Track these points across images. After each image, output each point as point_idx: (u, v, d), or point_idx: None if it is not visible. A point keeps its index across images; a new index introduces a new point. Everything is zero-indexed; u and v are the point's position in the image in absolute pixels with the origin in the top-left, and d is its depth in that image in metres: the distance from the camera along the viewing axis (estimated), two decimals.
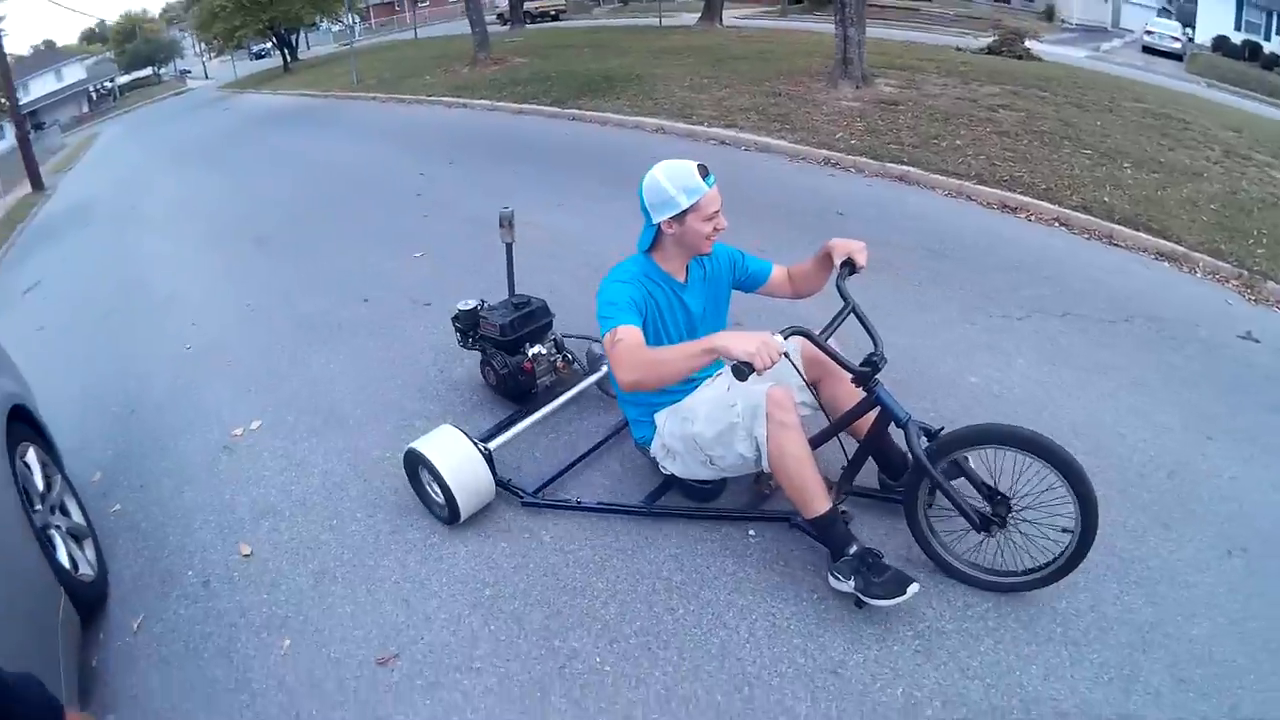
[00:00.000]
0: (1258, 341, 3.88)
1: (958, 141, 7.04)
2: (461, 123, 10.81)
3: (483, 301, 3.41)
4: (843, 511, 2.27)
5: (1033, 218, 5.60)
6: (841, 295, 2.26)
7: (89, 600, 2.48)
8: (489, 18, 15.12)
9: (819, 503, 2.13)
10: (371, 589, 2.48)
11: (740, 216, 5.21)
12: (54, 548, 2.39)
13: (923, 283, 4.43)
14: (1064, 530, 2.08)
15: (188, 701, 2.18)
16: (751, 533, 2.54)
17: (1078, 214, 5.43)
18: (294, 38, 32.35)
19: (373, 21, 49.83)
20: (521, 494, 2.72)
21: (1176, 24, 24.33)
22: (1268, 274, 4.69)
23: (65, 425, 3.17)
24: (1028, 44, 15.09)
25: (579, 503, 2.67)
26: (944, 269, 4.64)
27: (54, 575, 2.24)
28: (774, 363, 1.82)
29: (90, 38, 63.79)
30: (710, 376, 2.51)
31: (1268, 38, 23.13)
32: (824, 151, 7.11)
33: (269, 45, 33.64)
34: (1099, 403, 3.23)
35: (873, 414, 2.20)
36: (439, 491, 2.60)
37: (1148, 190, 5.95)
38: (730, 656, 2.10)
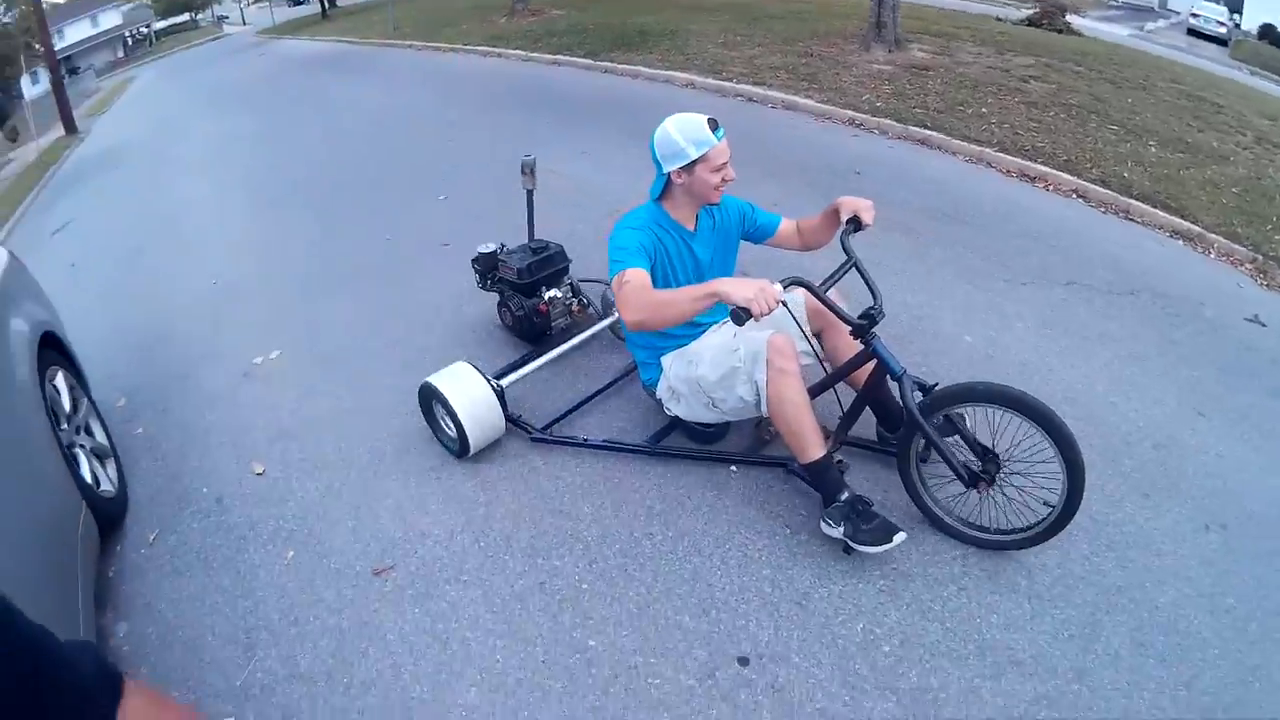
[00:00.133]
0: (1264, 325, 3.87)
1: (983, 109, 6.96)
2: (495, 72, 10.81)
3: (502, 245, 3.50)
4: (839, 461, 2.34)
5: (1050, 188, 5.56)
6: (845, 250, 2.31)
7: (109, 515, 2.62)
8: None
9: (814, 449, 2.20)
10: (373, 506, 2.63)
11: (760, 170, 5.26)
12: (77, 465, 2.53)
13: (931, 243, 4.45)
14: (1045, 503, 2.14)
15: (195, 607, 2.33)
16: (733, 469, 2.64)
17: (1096, 187, 5.39)
18: None
19: None
20: (530, 430, 2.82)
21: (1224, 8, 23.56)
22: None
23: (94, 356, 3.31)
24: (1068, 18, 14.68)
25: (585, 440, 2.76)
26: (954, 232, 4.65)
27: (76, 490, 2.38)
28: (770, 310, 1.89)
29: None
30: (717, 323, 2.57)
31: None
32: (849, 112, 7.08)
33: None
34: (1094, 371, 3.26)
35: (870, 366, 2.27)
36: (451, 425, 2.70)
37: (1170, 169, 5.87)
38: (701, 581, 2.22)
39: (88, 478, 2.55)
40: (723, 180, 2.30)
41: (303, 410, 3.23)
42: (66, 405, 2.70)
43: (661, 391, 2.60)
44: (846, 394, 2.43)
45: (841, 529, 2.17)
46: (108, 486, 2.71)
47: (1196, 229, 4.92)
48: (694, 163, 2.24)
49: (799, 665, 1.97)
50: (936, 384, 2.21)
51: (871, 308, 2.20)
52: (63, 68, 19.16)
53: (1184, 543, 2.37)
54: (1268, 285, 4.46)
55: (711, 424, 2.62)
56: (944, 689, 1.91)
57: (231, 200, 6.67)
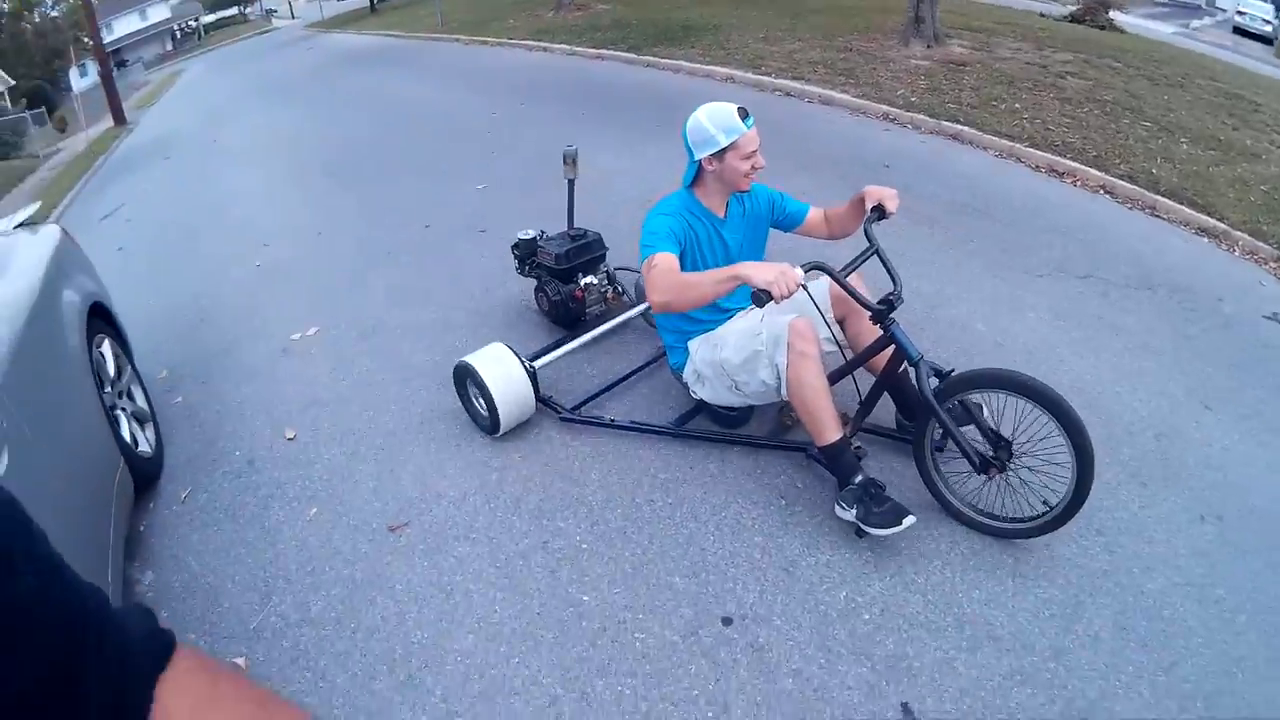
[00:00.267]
0: None
1: (1016, 105, 6.92)
2: (539, 66, 10.97)
3: (542, 232, 3.60)
4: (856, 447, 2.40)
5: (1078, 183, 5.52)
6: (867, 237, 2.37)
7: (145, 474, 2.81)
8: None
9: (830, 432, 2.26)
10: (394, 469, 2.79)
11: (793, 163, 5.33)
12: (118, 425, 2.72)
13: (954, 235, 4.48)
14: (1055, 491, 2.17)
15: (220, 559, 2.50)
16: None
17: (1123, 183, 5.34)
18: None
19: None
20: (560, 410, 2.91)
21: (1270, 6, 22.77)
22: None
23: (139, 333, 3.51)
24: (1111, 14, 14.38)
25: (612, 421, 2.84)
26: (978, 224, 4.67)
27: (116, 446, 2.56)
28: (791, 292, 1.96)
29: None
30: (744, 309, 2.64)
31: None
32: (884, 107, 7.09)
33: None
34: (1102, 361, 3.27)
35: (889, 352, 2.31)
36: (483, 404, 2.80)
37: (1199, 166, 5.78)
38: (695, 546, 2.33)
39: (127, 438, 2.74)
40: (752, 168, 2.38)
41: (336, 382, 3.40)
42: (111, 370, 2.89)
43: (687, 375, 2.69)
44: (866, 382, 2.46)
45: (854, 511, 2.22)
46: (145, 448, 2.90)
47: (1222, 226, 4.85)
48: (724, 150, 2.33)
49: (780, 628, 2.06)
50: (953, 370, 2.22)
51: (891, 293, 2.25)
52: (111, 61, 19.66)
53: (1177, 532, 2.37)
54: None
55: (735, 408, 2.69)
56: (919, 658, 1.97)
57: (276, 189, 6.91)
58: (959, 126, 6.45)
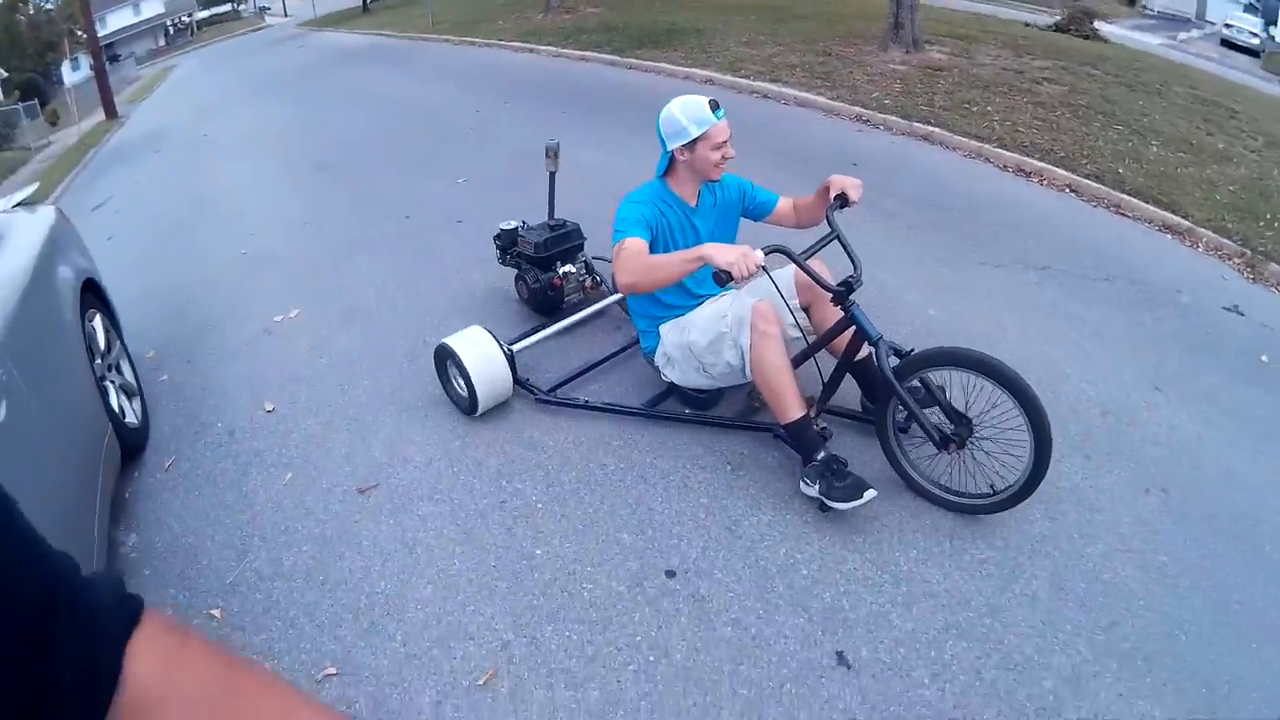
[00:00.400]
0: (1243, 315, 3.93)
1: (989, 108, 7.08)
2: (525, 67, 11.14)
3: (523, 223, 3.70)
4: (822, 428, 2.49)
5: (1045, 182, 5.69)
6: (829, 223, 2.49)
7: (131, 444, 2.92)
8: None
9: (793, 410, 2.36)
10: (366, 437, 2.92)
11: (763, 160, 5.47)
12: (107, 396, 2.83)
13: (916, 228, 4.63)
14: (1012, 469, 2.25)
15: (200, 520, 2.62)
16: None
17: (1089, 182, 5.50)
18: None
19: None
20: (536, 392, 3.02)
21: (1259, 20, 23.06)
22: (1272, 255, 4.67)
23: (127, 316, 3.59)
24: (1096, 25, 14.57)
25: (587, 403, 2.94)
26: (941, 219, 4.83)
27: (104, 413, 2.68)
28: (751, 273, 2.09)
29: None
30: (715, 295, 2.72)
31: None
32: (857, 109, 7.25)
33: None
34: (1052, 345, 3.38)
35: (849, 333, 2.41)
36: (463, 384, 2.90)
37: (1167, 167, 5.94)
38: (643, 506, 2.47)
39: (115, 408, 2.85)
40: (723, 157, 2.50)
41: (315, 360, 3.52)
42: (101, 344, 3.00)
43: (658, 358, 2.80)
44: (830, 367, 2.54)
45: (817, 487, 2.32)
46: (132, 418, 3.01)
47: (1186, 223, 4.99)
48: (695, 140, 2.45)
49: (721, 580, 2.19)
50: (912, 349, 2.29)
51: (850, 276, 2.33)
52: (104, 55, 19.69)
53: (1121, 502, 2.46)
54: (1254, 279, 4.50)
55: (704, 390, 2.80)
56: (855, 610, 2.09)
57: (265, 182, 7.02)
58: (930, 128, 6.62)
